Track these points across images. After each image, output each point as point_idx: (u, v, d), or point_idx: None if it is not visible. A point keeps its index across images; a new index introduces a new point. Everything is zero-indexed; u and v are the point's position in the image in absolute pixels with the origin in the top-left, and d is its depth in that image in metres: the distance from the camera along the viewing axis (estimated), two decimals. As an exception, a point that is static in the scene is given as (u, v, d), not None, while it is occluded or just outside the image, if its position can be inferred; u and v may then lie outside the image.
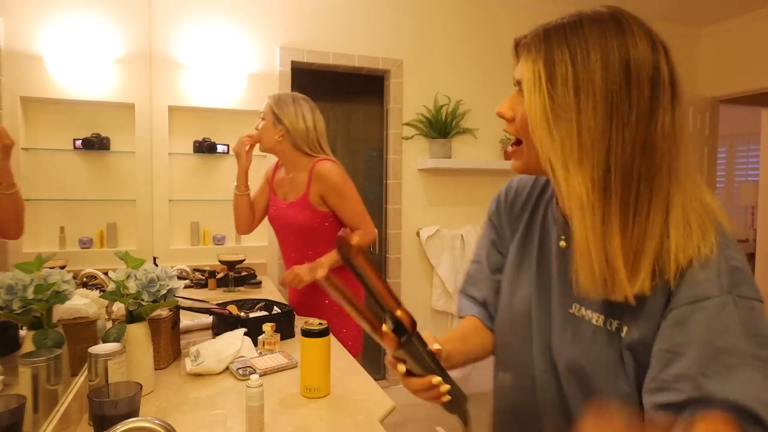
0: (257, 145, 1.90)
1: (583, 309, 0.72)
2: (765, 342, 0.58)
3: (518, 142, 0.73)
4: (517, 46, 0.73)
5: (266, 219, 2.03)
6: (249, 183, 1.97)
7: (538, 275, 0.81)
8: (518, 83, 0.71)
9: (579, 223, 0.64)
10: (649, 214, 0.62)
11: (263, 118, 1.86)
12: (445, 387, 0.70)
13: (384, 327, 0.64)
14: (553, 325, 0.77)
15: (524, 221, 0.86)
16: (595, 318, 0.70)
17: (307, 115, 1.83)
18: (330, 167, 1.79)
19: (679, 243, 0.62)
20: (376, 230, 1.91)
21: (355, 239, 1.83)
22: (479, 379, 2.29)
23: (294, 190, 1.86)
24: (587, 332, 0.71)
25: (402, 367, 0.69)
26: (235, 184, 1.94)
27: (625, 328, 0.67)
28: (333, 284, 0.61)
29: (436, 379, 0.69)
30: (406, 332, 0.66)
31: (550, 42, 0.66)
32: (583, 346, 0.72)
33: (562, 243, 0.76)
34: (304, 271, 1.81)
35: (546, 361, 0.78)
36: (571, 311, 0.74)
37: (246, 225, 2.00)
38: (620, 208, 0.62)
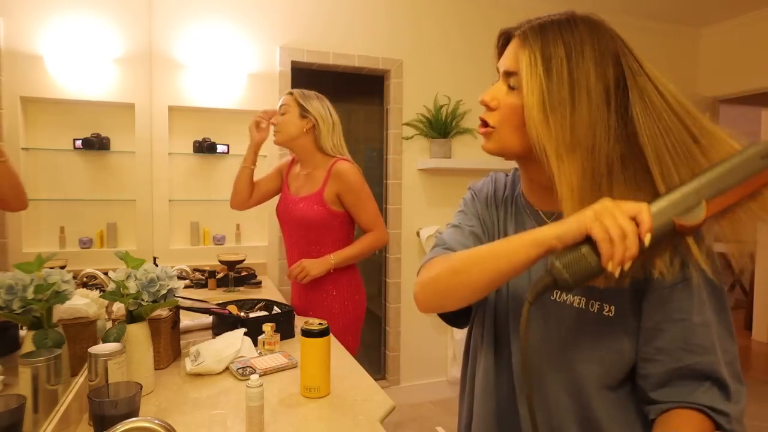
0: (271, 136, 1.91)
1: (564, 294, 0.74)
2: (727, 317, 0.68)
3: (490, 126, 0.76)
4: (503, 36, 0.77)
5: (274, 216, 2.02)
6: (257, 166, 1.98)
7: None
8: (506, 74, 0.73)
9: (569, 208, 0.67)
10: (637, 200, 0.65)
11: (284, 113, 1.85)
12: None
13: None
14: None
15: (501, 218, 0.88)
16: (576, 301, 0.73)
17: (332, 110, 1.88)
18: (350, 167, 1.82)
19: None
20: (388, 234, 1.90)
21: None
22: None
23: (308, 185, 1.86)
24: (570, 315, 0.73)
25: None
26: (243, 155, 1.95)
27: (607, 307, 0.71)
28: None
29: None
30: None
31: (546, 36, 0.69)
32: (568, 329, 0.73)
33: None
34: (312, 265, 1.80)
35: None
36: (552, 298, 0.75)
37: (241, 200, 1.98)
38: (609, 195, 0.66)
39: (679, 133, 0.65)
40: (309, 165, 1.88)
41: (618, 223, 0.58)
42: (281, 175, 2.01)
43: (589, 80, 0.66)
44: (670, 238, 0.61)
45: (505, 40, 0.78)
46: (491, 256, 0.68)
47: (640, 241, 0.58)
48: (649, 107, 0.66)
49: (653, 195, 0.64)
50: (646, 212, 0.59)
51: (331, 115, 1.86)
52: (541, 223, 0.79)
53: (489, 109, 0.76)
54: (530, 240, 0.64)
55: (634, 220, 0.58)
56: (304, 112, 1.83)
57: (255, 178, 2.00)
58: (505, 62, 0.74)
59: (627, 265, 0.58)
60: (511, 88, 0.73)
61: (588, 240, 0.60)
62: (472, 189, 0.94)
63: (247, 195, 1.97)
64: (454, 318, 0.89)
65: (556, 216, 0.77)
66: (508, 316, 0.81)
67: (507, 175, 0.93)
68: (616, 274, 0.58)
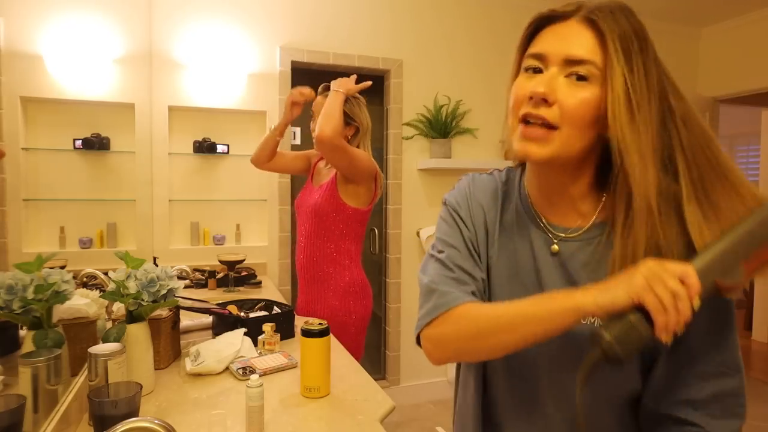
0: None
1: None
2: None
3: (548, 126, 0.65)
4: (538, 20, 0.68)
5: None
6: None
7: (521, 286, 0.75)
8: (569, 63, 0.64)
9: (643, 217, 0.62)
10: (713, 202, 0.62)
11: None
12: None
13: None
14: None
15: (496, 230, 0.78)
16: (597, 321, 0.69)
17: (366, 112, 1.93)
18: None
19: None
20: (329, 136, 1.68)
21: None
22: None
23: (329, 174, 1.91)
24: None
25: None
26: (273, 126, 2.05)
27: None
28: None
29: None
30: None
31: (620, 23, 0.63)
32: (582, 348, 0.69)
33: (554, 247, 0.73)
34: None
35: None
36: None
37: (261, 160, 2.10)
38: (684, 197, 0.63)
39: (711, 153, 0.63)
40: None
41: (669, 289, 0.55)
42: (308, 162, 2.11)
43: (652, 77, 0.63)
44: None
45: (537, 25, 0.69)
46: (525, 321, 0.63)
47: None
48: (689, 119, 0.64)
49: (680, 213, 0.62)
50: (693, 275, 0.56)
51: (367, 118, 1.91)
52: (547, 235, 0.74)
53: (547, 103, 0.64)
54: (571, 308, 0.59)
55: (683, 282, 0.56)
56: (348, 120, 1.86)
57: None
58: (564, 47, 0.64)
59: (680, 330, 0.56)
60: (579, 79, 0.63)
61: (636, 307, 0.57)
62: (449, 204, 0.82)
63: (267, 157, 2.08)
64: None
65: (570, 233, 0.72)
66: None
67: (491, 174, 0.83)
68: (669, 341, 0.56)
